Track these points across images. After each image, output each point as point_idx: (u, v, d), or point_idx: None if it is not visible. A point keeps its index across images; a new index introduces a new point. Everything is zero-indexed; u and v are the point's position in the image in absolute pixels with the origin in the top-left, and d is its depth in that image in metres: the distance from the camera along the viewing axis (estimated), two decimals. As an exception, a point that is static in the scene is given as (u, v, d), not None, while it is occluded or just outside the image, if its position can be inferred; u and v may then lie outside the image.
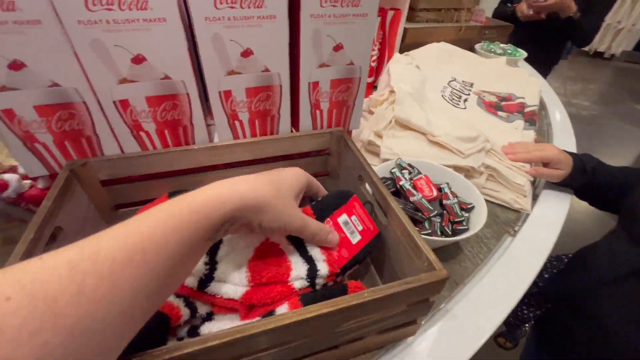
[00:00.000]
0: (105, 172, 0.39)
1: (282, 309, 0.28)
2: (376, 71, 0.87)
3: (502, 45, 1.10)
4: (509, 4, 1.30)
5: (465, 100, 0.75)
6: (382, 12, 0.81)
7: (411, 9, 1.04)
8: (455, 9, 1.05)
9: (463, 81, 0.84)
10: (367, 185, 0.40)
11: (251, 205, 0.25)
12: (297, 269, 0.31)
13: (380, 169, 0.50)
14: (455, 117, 0.67)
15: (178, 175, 0.43)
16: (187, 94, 0.38)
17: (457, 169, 0.54)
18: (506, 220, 0.52)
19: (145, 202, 0.42)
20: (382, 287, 0.26)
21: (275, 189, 0.27)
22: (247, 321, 0.26)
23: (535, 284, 0.64)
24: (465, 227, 0.41)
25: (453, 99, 0.74)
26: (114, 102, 0.35)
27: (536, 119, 0.70)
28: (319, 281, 0.31)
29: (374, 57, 0.80)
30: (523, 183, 0.53)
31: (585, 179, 0.53)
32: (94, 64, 0.32)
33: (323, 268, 0.31)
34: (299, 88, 0.42)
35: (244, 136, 0.44)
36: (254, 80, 0.39)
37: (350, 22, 0.39)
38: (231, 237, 0.32)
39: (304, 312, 0.23)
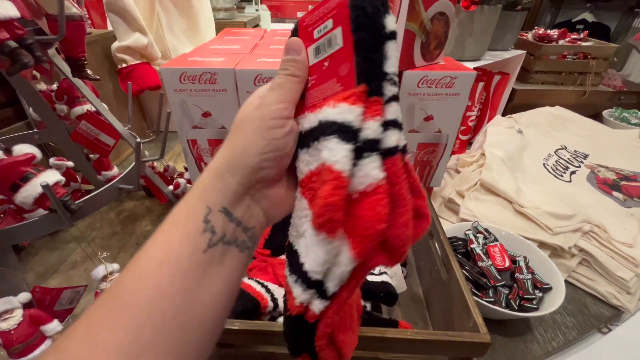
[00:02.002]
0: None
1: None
2: (474, 130, 0.88)
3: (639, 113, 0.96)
4: None
5: (573, 172, 0.70)
6: (488, 75, 0.83)
7: (525, 70, 1.02)
8: (580, 73, 0.98)
9: (575, 151, 0.77)
10: (435, 242, 0.44)
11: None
12: None
13: (455, 227, 0.53)
14: (554, 190, 0.63)
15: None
16: None
17: (543, 245, 0.52)
18: (597, 315, 0.47)
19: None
20: (426, 332, 0.30)
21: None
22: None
23: None
24: (535, 306, 0.40)
25: (557, 169, 0.70)
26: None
27: (666, 207, 0.60)
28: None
29: (472, 117, 0.82)
30: (628, 278, 0.47)
31: None
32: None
33: None
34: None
35: None
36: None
37: (443, 99, 0.46)
38: None
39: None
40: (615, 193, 0.63)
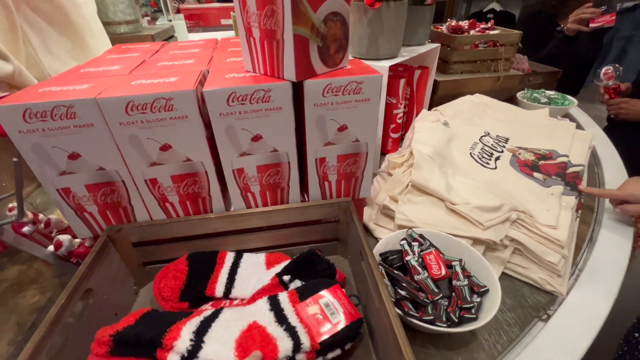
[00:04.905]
0: (136, 236, 0.45)
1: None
2: (404, 126, 0.87)
3: (548, 92, 1.04)
4: (557, 30, 1.22)
5: (497, 158, 0.71)
6: (409, 71, 0.83)
7: (445, 62, 1.05)
8: (492, 60, 1.03)
9: (497, 136, 0.80)
10: (364, 265, 0.40)
11: None
12: (283, 346, 0.32)
13: (391, 237, 0.50)
14: (482, 180, 0.63)
15: (199, 238, 0.48)
16: (206, 172, 0.43)
17: (478, 241, 0.51)
18: (535, 304, 0.46)
19: (169, 260, 0.47)
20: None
21: None
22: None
23: None
24: (474, 315, 0.38)
25: (483, 157, 0.71)
26: (145, 180, 0.42)
27: (579, 182, 0.63)
28: (300, 357, 0.32)
29: (400, 114, 0.81)
30: (556, 261, 0.48)
31: None
32: (131, 152, 0.39)
33: (306, 341, 0.32)
34: (307, 164, 0.45)
35: (256, 205, 0.48)
36: (264, 159, 0.43)
37: (353, 106, 0.42)
38: (225, 318, 0.35)
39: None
40: (535, 174, 0.66)
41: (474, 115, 0.88)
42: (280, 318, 0.35)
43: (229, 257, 0.48)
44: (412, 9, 0.75)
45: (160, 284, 0.45)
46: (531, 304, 0.47)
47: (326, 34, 0.38)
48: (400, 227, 0.55)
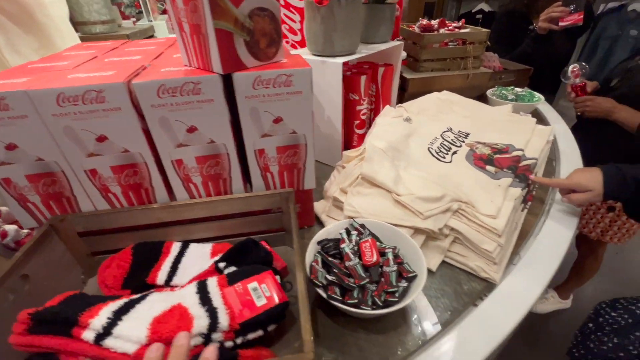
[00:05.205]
0: (81, 226, 0.47)
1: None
2: (369, 124, 0.89)
3: (517, 90, 1.05)
4: (529, 29, 1.24)
5: (455, 152, 0.73)
6: (373, 67, 0.85)
7: (416, 60, 1.07)
8: (462, 58, 1.05)
9: (459, 131, 0.81)
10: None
11: None
12: (199, 323, 0.33)
13: (336, 227, 0.51)
14: (435, 173, 0.65)
15: (145, 229, 0.49)
16: (145, 163, 0.44)
17: (418, 231, 0.52)
18: (470, 291, 0.48)
19: (118, 250, 0.48)
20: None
21: None
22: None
23: None
24: (396, 299, 0.40)
25: (441, 151, 0.73)
26: (85, 171, 0.43)
27: (529, 174, 0.64)
28: (216, 336, 0.33)
29: (364, 110, 0.83)
30: (492, 249, 0.49)
31: (625, 191, 0.52)
32: (67, 143, 0.40)
33: (224, 321, 0.34)
34: (247, 155, 0.47)
35: (200, 196, 0.49)
36: (202, 150, 0.45)
37: (286, 99, 0.43)
38: (151, 300, 0.36)
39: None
40: (488, 167, 0.67)
41: (440, 111, 0.89)
42: (205, 300, 0.36)
43: (175, 247, 0.49)
44: (372, 7, 0.77)
45: (105, 272, 0.46)
46: (466, 290, 0.48)
47: (253, 28, 0.40)
48: (349, 218, 0.56)
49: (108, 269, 0.46)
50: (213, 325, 0.34)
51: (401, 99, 0.99)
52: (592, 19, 1.33)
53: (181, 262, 0.48)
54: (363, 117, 0.83)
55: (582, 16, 1.05)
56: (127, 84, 0.38)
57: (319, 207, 0.63)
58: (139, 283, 0.46)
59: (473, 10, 2.92)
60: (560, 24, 1.09)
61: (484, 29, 1.03)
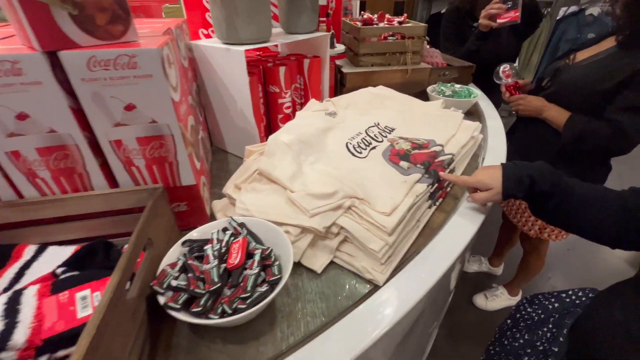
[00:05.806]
0: None
1: None
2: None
3: (456, 86, 1.04)
4: (474, 26, 1.23)
5: (373, 148, 0.70)
6: (298, 59, 0.81)
7: (355, 54, 1.04)
8: (401, 53, 1.03)
9: (385, 127, 0.79)
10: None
11: None
12: None
13: (211, 226, 0.47)
14: (346, 168, 0.62)
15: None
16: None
17: (306, 230, 0.48)
18: (352, 294, 0.44)
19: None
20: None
21: None
22: None
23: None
24: (244, 306, 0.36)
25: (359, 146, 0.70)
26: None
27: (440, 170, 0.62)
28: (7, 355, 0.29)
29: (287, 104, 0.79)
30: (378, 249, 0.46)
31: (521, 190, 0.52)
32: None
33: (20, 337, 0.29)
34: (101, 146, 0.42)
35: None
36: (42, 141, 0.40)
37: (134, 83, 0.38)
38: None
39: None
40: (402, 163, 0.64)
41: (370, 106, 0.86)
42: (9, 312, 0.31)
43: (29, 251, 0.44)
44: (290, -6, 0.73)
45: None
46: (348, 294, 0.45)
47: (83, 1, 0.35)
48: (241, 216, 0.52)
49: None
50: (1, 342, 0.29)
51: (339, 94, 0.96)
52: (540, 18, 1.34)
53: (31, 266, 0.43)
54: (287, 111, 0.80)
55: (518, 14, 1.05)
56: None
57: (218, 205, 0.59)
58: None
59: (442, 11, 2.95)
60: (498, 21, 1.09)
61: (422, 24, 1.02)
